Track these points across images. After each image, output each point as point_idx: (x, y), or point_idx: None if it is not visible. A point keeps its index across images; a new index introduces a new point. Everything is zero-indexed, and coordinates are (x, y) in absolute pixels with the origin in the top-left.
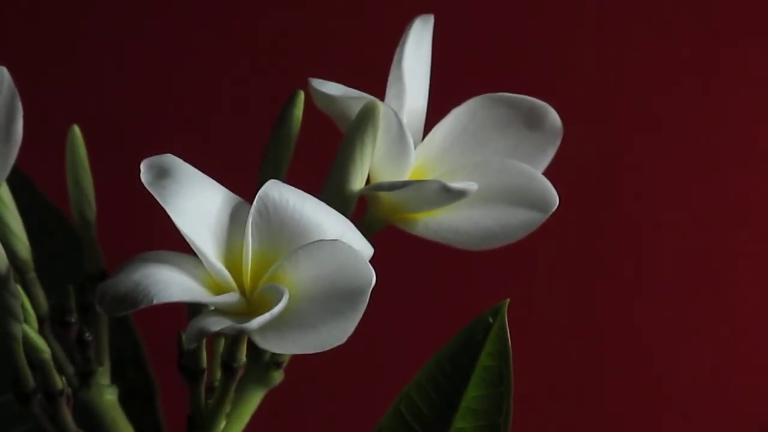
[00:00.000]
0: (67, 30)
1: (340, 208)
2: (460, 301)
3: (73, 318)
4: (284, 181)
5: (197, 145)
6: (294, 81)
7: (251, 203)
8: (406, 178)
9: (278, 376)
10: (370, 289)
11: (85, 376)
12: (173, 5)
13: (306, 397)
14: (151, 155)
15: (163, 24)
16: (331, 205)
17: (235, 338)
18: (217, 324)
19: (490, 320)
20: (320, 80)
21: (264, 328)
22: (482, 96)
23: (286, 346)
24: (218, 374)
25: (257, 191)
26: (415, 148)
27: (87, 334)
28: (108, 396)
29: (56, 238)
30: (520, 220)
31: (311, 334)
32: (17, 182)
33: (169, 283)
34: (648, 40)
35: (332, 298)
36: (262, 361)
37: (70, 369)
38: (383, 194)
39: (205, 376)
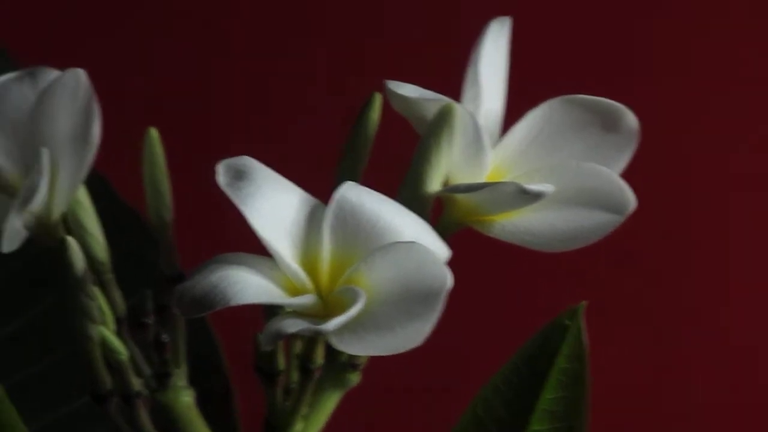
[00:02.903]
0: (145, 32)
1: (416, 210)
2: (537, 303)
3: (151, 320)
4: (361, 184)
5: (274, 147)
6: (371, 83)
7: (327, 205)
8: (482, 180)
9: (355, 378)
10: (446, 291)
11: (162, 378)
12: (250, 7)
13: (382, 398)
14: (228, 157)
15: (241, 27)
16: (407, 207)
17: (311, 340)
18: (293, 326)
19: (567, 322)
20: (397, 82)
21: (340, 329)
22: (558, 98)
23: (362, 347)
24: (295, 376)
25: (334, 193)
26: (492, 149)
27: (164, 336)
28: (185, 398)
29: (133, 239)
30: (596, 222)
31: (387, 336)
32: (95, 184)
33: (246, 284)
34: (728, 36)
35: (408, 300)
36: (338, 363)
37: (147, 371)
38: (459, 196)
39: (282, 378)
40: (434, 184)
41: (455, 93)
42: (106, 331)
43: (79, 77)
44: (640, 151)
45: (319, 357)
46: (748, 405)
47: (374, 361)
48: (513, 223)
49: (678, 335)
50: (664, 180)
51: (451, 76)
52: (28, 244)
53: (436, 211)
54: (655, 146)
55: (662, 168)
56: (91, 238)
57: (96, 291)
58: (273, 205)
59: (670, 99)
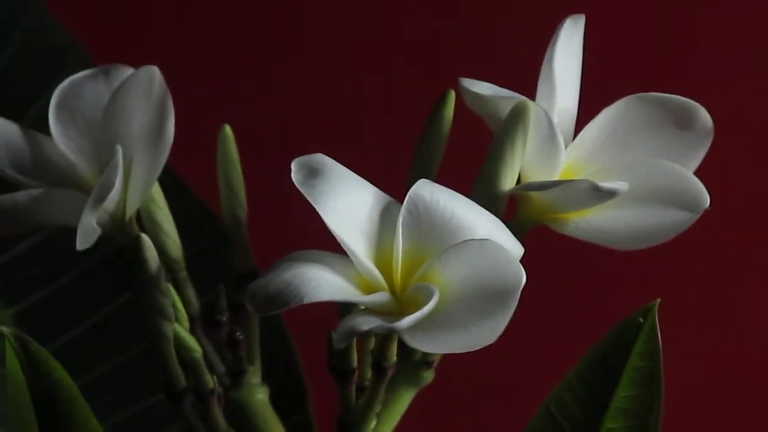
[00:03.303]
0: (218, 29)
1: (490, 207)
2: (610, 301)
3: (224, 317)
4: (435, 181)
5: (348, 145)
6: (445, 81)
7: (402, 203)
8: (556, 178)
9: (429, 376)
10: (520, 289)
11: (236, 376)
12: (324, 6)
13: (456, 396)
14: (302, 155)
15: (314, 25)
16: (481, 205)
17: (385, 337)
18: (367, 323)
19: (641, 320)
20: (471, 80)
21: (414, 327)
22: (633, 96)
23: (435, 345)
24: (368, 374)
25: (408, 191)
26: (566, 147)
27: (238, 334)
28: (259, 395)
29: (207, 237)
30: (670, 220)
31: (461, 333)
32: (169, 182)
33: (320, 282)
34: None
35: (482, 297)
36: (412, 361)
37: (221, 368)
38: (533, 194)
39: (355, 375)
40: (508, 182)
41: (529, 91)
42: (180, 328)
43: (153, 74)
44: (713, 149)
45: (393, 355)
46: None
47: (448, 358)
48: (587, 221)
49: (752, 334)
50: (737, 177)
51: (525, 73)
52: (103, 242)
53: (510, 209)
54: (730, 144)
55: (735, 166)
56: (166, 236)
57: (170, 289)
58: (347, 202)
59: (745, 97)
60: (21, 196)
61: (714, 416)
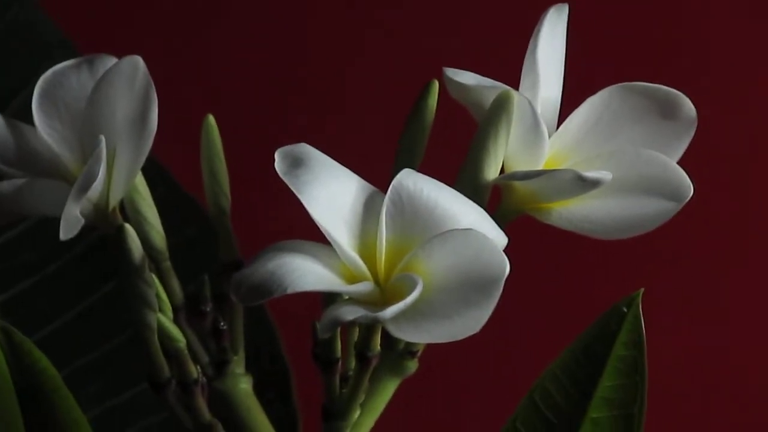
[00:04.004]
0: (201, 18)
1: (474, 197)
2: (594, 291)
3: (208, 307)
4: (419, 171)
5: (331, 135)
6: (428, 71)
7: (385, 193)
8: (540, 167)
9: (412, 366)
10: (504, 278)
11: (219, 366)
12: None
13: (439, 386)
14: (285, 145)
15: (300, 13)
16: (465, 195)
17: (369, 327)
18: (351, 313)
19: (625, 310)
20: (455, 69)
21: (398, 317)
22: (617, 85)
23: (419, 335)
24: (352, 363)
25: (392, 180)
26: (550, 137)
27: (222, 324)
28: (243, 385)
29: (191, 227)
30: (654, 210)
31: (445, 323)
32: (152, 172)
33: (304, 272)
34: None
35: (466, 287)
36: (396, 351)
37: (205, 358)
38: (517, 184)
39: (340, 365)
40: (492, 172)
41: (513, 81)
42: (163, 318)
43: (136, 64)
44: (696, 139)
45: (377, 344)
46: None
47: (431, 348)
48: (570, 211)
49: (737, 322)
50: (721, 167)
51: (508, 63)
52: (87, 232)
53: (494, 199)
54: (713, 134)
55: (718, 156)
56: (149, 226)
57: (154, 278)
58: (330, 192)
59: (727, 85)
60: (4, 186)
61: (698, 405)
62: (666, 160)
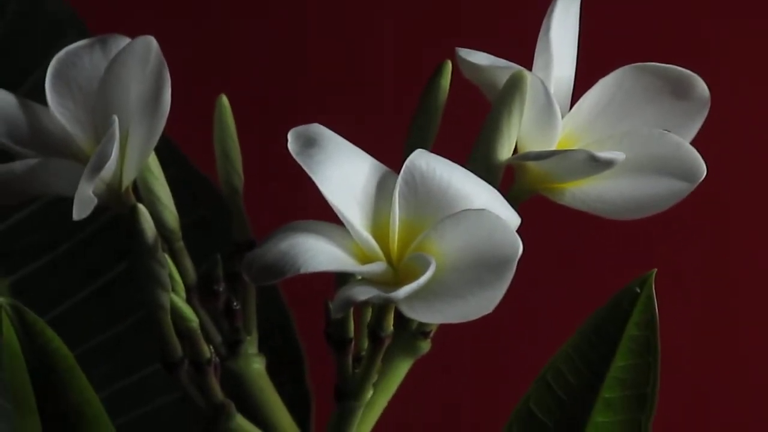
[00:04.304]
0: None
1: (487, 177)
2: (607, 271)
3: (221, 287)
4: (431, 151)
5: (344, 115)
6: (442, 51)
7: (398, 173)
8: (553, 147)
9: (425, 346)
10: (517, 258)
11: (232, 346)
12: None
13: (452, 367)
14: (298, 124)
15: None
16: (477, 175)
17: (382, 308)
18: (364, 293)
19: (638, 290)
20: (468, 50)
21: (411, 297)
22: (630, 65)
23: (432, 315)
24: (365, 344)
25: (405, 161)
26: (563, 117)
27: (235, 304)
28: (256, 365)
29: (204, 207)
30: (667, 190)
31: (458, 303)
32: (166, 151)
33: (317, 252)
34: None
35: (479, 267)
36: (409, 331)
37: (218, 338)
38: (530, 164)
39: (352, 345)
40: (505, 152)
41: (526, 61)
42: (176, 298)
43: (149, 44)
44: (709, 120)
45: (390, 325)
46: None
47: (444, 328)
48: (584, 191)
49: (750, 303)
50: (734, 147)
51: (522, 43)
52: (100, 212)
53: (507, 179)
54: (726, 116)
55: (732, 135)
56: (162, 206)
57: (167, 258)
58: (343, 172)
59: (742, 68)
60: (17, 166)
61: (711, 385)
62: (679, 141)
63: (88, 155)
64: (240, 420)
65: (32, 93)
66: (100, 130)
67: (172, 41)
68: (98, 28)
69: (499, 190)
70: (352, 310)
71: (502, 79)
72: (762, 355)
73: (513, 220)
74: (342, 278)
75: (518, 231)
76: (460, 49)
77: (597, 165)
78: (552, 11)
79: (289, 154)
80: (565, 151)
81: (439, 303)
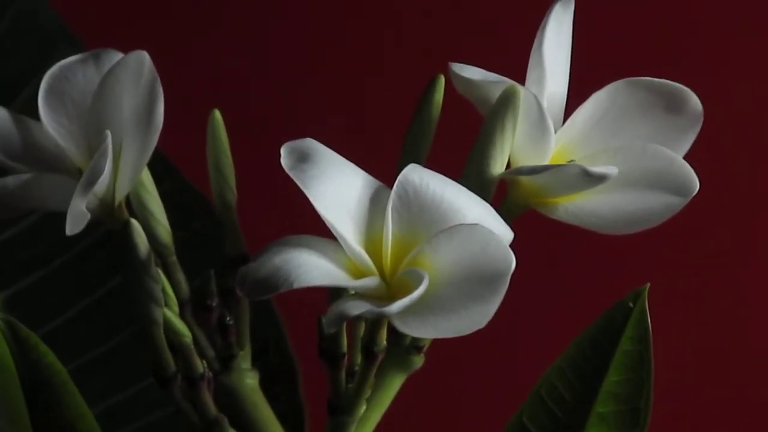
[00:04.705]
0: (206, 14)
1: (480, 192)
2: (600, 286)
3: (214, 302)
4: (425, 166)
5: (337, 131)
6: (434, 66)
7: (391, 188)
8: (546, 162)
9: (419, 361)
10: (510, 273)
11: (226, 360)
12: None
13: (445, 382)
14: (291, 139)
15: (300, 10)
16: (471, 190)
17: (375, 322)
18: (357, 308)
19: (631, 305)
20: (461, 65)
21: (404, 312)
22: (623, 80)
23: (426, 330)
24: (358, 359)
25: (397, 175)
26: (556, 132)
27: (228, 318)
28: (249, 380)
29: (197, 222)
30: (660, 205)
31: (451, 318)
32: (159, 166)
33: (310, 267)
34: None
35: (472, 282)
36: (402, 346)
37: (211, 353)
38: (523, 178)
39: (346, 360)
40: (498, 167)
41: (519, 76)
42: (169, 313)
43: (142, 59)
44: (703, 134)
45: (383, 340)
46: None
47: (437, 343)
48: (577, 206)
49: (743, 319)
50: (727, 162)
51: (515, 58)
52: (93, 226)
53: (500, 194)
54: (719, 129)
55: (725, 150)
56: (155, 221)
57: (160, 273)
58: (336, 187)
59: (734, 81)
60: (10, 180)
61: (705, 400)
62: (672, 155)
63: (81, 170)
64: None
65: (25, 108)
66: (93, 145)
67: (166, 55)
68: (91, 44)
69: (492, 205)
70: (345, 324)
71: (495, 93)
72: (757, 369)
73: (506, 234)
74: (335, 293)
75: (511, 245)
76: (453, 63)
77: (590, 180)
78: (545, 25)
79: (283, 168)
80: (558, 165)
81: (433, 318)
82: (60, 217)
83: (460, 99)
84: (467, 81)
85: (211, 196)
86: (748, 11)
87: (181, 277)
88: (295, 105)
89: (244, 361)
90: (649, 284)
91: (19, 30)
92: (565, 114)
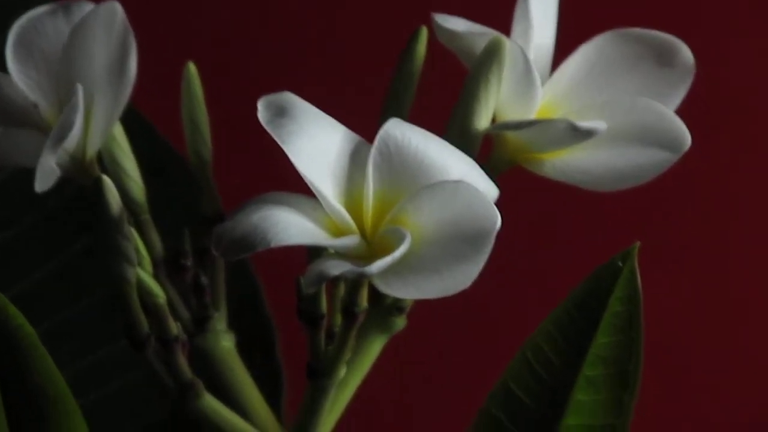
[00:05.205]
0: None
1: (464, 148)
2: (589, 245)
3: (189, 262)
4: (407, 121)
5: (318, 85)
6: (417, 17)
7: (372, 143)
8: (532, 117)
9: (400, 322)
10: (495, 231)
11: (201, 322)
12: None
13: (428, 344)
14: (269, 93)
15: None
16: (455, 145)
17: (355, 283)
18: (336, 268)
19: (620, 264)
20: (444, 16)
21: (385, 272)
22: (611, 32)
23: (408, 290)
24: (338, 320)
25: (379, 130)
26: (543, 85)
27: (203, 279)
28: (225, 342)
29: (172, 179)
30: (650, 161)
31: (434, 278)
32: (132, 122)
33: (288, 225)
34: None
35: (456, 241)
36: (383, 307)
37: (186, 314)
38: (509, 134)
39: (325, 322)
40: (483, 121)
41: (505, 28)
42: (143, 273)
43: (114, 10)
44: (694, 88)
45: (363, 300)
46: None
47: (420, 304)
48: (564, 161)
49: (733, 279)
50: (720, 116)
51: (500, 9)
52: (64, 183)
53: (485, 149)
54: (710, 84)
55: (717, 104)
56: (128, 177)
57: (132, 232)
58: (315, 143)
59: (729, 34)
60: None
61: (695, 362)
62: (662, 109)
63: (51, 125)
64: (208, 399)
65: None
66: (63, 99)
67: (138, 7)
68: None
69: (476, 161)
70: (324, 285)
71: (480, 46)
72: (747, 328)
73: (491, 191)
74: (314, 252)
75: (497, 203)
76: (436, 15)
77: (578, 135)
78: None
79: (260, 124)
80: (546, 120)
81: (415, 278)
82: (29, 175)
83: (444, 51)
84: (451, 33)
85: (186, 153)
86: None
87: (154, 235)
88: (274, 59)
89: (219, 322)
90: (639, 243)
91: None
92: (552, 67)
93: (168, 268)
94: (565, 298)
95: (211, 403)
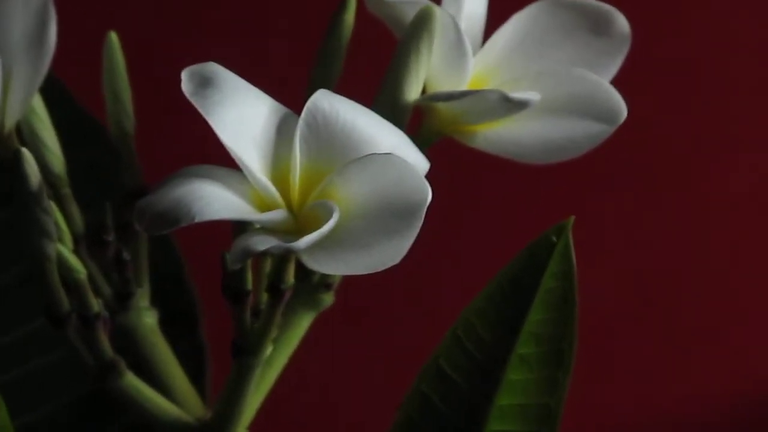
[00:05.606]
0: None
1: (393, 119)
2: (522, 220)
3: (111, 237)
4: (335, 92)
5: (242, 54)
6: None
7: (299, 115)
8: (464, 87)
9: (328, 299)
10: (426, 205)
11: (123, 299)
12: None
13: (357, 321)
14: (193, 63)
15: None
16: (384, 117)
17: (282, 258)
18: (263, 243)
19: (554, 239)
20: None
21: (313, 247)
22: (546, 0)
23: (336, 266)
24: (264, 297)
25: (306, 102)
26: (474, 55)
27: (125, 254)
28: (147, 319)
29: (93, 151)
30: (585, 132)
31: (363, 253)
32: (51, 92)
33: (213, 199)
34: None
35: (385, 215)
36: (311, 283)
37: (108, 291)
38: (440, 105)
39: (251, 298)
40: (413, 92)
41: None
42: (63, 248)
43: None
44: (630, 57)
45: (290, 276)
46: (737, 321)
47: (348, 280)
48: (497, 133)
49: (672, 252)
50: (657, 86)
51: None
52: None
53: (415, 121)
54: (647, 50)
55: (655, 74)
56: (47, 150)
57: (52, 206)
58: (241, 114)
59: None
60: None
61: (631, 338)
62: (598, 80)
63: None
64: (131, 377)
65: None
66: None
67: None
68: None
69: (406, 133)
70: (250, 261)
71: (410, 15)
72: (684, 303)
73: (421, 164)
74: (239, 227)
75: (427, 176)
76: None
77: (510, 106)
78: None
79: (185, 95)
80: (477, 91)
81: (343, 253)
82: None
83: (372, 20)
84: (380, 1)
85: (107, 125)
86: None
87: (75, 210)
88: (197, 29)
89: (142, 299)
90: (573, 217)
91: None
92: (484, 37)
93: (89, 243)
94: (497, 274)
95: (133, 381)
